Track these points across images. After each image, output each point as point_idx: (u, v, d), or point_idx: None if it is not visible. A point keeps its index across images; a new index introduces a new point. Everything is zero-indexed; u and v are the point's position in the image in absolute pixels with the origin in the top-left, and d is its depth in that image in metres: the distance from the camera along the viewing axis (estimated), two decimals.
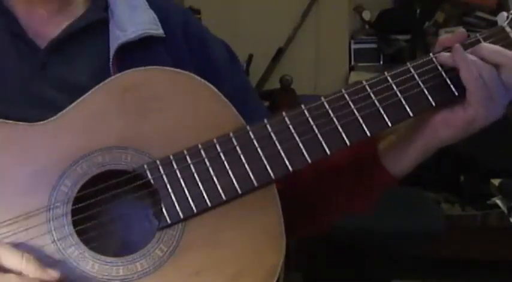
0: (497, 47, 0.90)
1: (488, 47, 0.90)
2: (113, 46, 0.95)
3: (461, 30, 0.94)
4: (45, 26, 0.97)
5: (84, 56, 0.97)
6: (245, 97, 1.01)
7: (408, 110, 0.89)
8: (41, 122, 0.86)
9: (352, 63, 3.44)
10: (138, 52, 0.97)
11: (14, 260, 0.77)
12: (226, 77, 1.01)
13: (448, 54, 0.90)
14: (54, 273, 0.78)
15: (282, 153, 0.86)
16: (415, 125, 0.94)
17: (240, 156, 0.86)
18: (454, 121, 0.90)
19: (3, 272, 0.75)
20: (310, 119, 0.88)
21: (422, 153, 0.95)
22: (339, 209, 1.04)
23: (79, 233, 0.82)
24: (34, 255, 0.78)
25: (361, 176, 0.99)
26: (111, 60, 0.95)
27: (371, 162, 0.97)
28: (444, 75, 0.90)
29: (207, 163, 0.85)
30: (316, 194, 1.02)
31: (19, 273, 0.76)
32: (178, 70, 0.91)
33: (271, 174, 0.86)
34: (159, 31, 0.99)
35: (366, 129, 0.88)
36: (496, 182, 2.54)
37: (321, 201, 1.03)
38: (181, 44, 1.02)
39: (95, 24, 0.99)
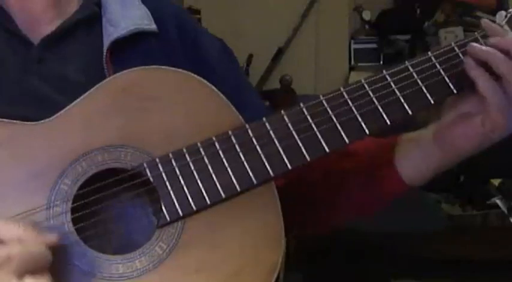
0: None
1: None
2: (106, 42, 0.96)
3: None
4: (39, 22, 0.97)
5: (78, 52, 0.97)
6: (240, 92, 1.00)
7: (407, 107, 0.89)
8: (40, 121, 0.86)
9: (352, 63, 3.45)
10: (131, 47, 0.97)
11: (12, 229, 0.76)
12: (219, 72, 1.01)
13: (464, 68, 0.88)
14: (52, 236, 0.78)
15: (281, 151, 0.86)
16: (433, 137, 0.93)
17: (239, 154, 0.86)
18: (473, 132, 0.89)
19: (3, 244, 0.75)
20: (308, 117, 0.88)
21: (439, 165, 0.93)
22: (343, 212, 1.02)
23: (79, 231, 0.82)
24: None
25: (372, 181, 0.97)
26: (104, 56, 0.95)
27: (385, 168, 0.95)
28: (443, 73, 0.90)
29: (206, 161, 0.85)
30: (321, 194, 1.01)
31: (19, 241, 0.75)
32: (176, 69, 0.91)
33: (270, 172, 0.86)
34: (151, 26, 1.00)
35: (364, 127, 0.88)
36: (496, 182, 2.54)
37: (326, 202, 1.02)
38: (175, 39, 1.02)
39: (88, 20, 0.99)
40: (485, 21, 0.92)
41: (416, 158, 0.94)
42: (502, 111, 0.86)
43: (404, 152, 0.95)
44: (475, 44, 0.89)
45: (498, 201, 2.53)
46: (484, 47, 0.88)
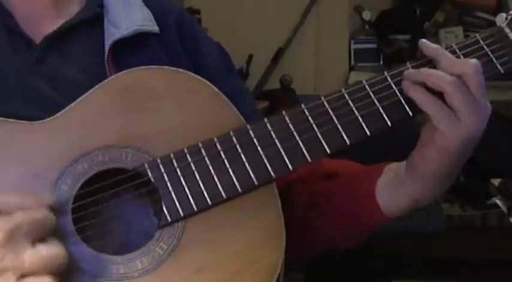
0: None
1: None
2: (107, 43, 0.96)
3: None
4: (41, 21, 0.97)
5: (80, 52, 0.97)
6: (233, 99, 1.00)
7: (407, 109, 0.89)
8: (41, 121, 0.86)
9: (352, 63, 3.44)
10: (133, 49, 0.97)
11: (13, 199, 0.76)
12: (218, 78, 1.01)
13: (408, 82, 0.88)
14: (51, 196, 0.79)
15: (282, 152, 0.86)
16: (406, 165, 0.91)
17: (240, 155, 0.86)
18: (428, 150, 0.86)
19: (7, 214, 0.74)
20: (310, 118, 0.88)
21: (413, 195, 0.91)
22: (323, 241, 1.01)
23: (79, 231, 0.82)
24: None
25: (353, 211, 0.95)
26: (105, 57, 0.95)
27: (367, 198, 0.94)
28: None
29: (208, 162, 0.85)
30: (303, 221, 0.99)
31: (22, 209, 0.75)
32: (177, 69, 0.91)
33: (272, 173, 0.86)
34: (153, 27, 1.00)
35: (365, 128, 0.88)
36: (496, 182, 2.54)
37: (306, 229, 0.99)
38: (176, 42, 1.02)
39: (90, 21, 0.99)
40: (423, 42, 0.92)
41: (393, 189, 0.92)
42: (446, 122, 0.84)
43: (384, 184, 0.93)
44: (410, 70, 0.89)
45: (498, 201, 2.52)
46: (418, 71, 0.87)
